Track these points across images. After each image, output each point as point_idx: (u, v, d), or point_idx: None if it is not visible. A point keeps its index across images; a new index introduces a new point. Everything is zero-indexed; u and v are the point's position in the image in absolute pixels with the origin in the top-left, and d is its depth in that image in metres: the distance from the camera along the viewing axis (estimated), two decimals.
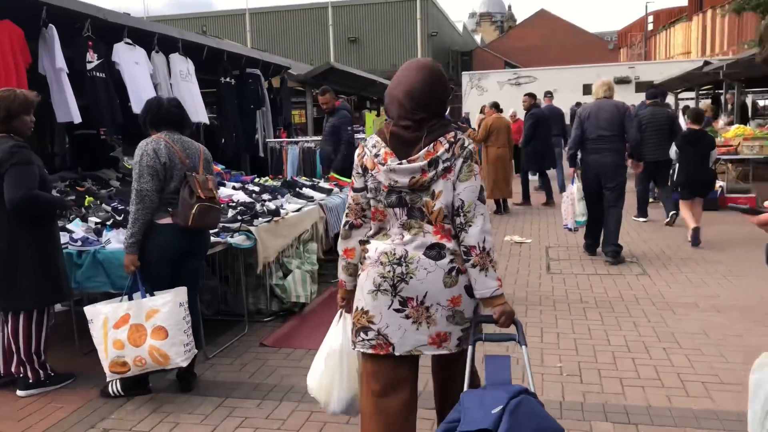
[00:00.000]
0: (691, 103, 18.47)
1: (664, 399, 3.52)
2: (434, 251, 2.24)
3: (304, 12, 38.29)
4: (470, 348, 2.29)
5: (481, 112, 13.27)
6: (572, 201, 6.77)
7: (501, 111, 10.77)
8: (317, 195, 6.18)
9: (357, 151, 2.38)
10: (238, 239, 4.55)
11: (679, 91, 20.24)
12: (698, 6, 51.18)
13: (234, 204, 5.23)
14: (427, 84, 2.24)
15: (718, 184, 9.97)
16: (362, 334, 2.32)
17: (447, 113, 2.50)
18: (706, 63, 15.30)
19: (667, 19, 57.56)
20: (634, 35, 59.59)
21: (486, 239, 2.21)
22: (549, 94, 13.17)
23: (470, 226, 2.20)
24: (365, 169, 2.31)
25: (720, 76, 14.22)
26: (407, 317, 2.25)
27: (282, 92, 9.68)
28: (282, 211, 5.25)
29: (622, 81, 28.85)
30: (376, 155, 2.27)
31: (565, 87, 28.62)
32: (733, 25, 45.70)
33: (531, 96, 11.05)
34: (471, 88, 31.01)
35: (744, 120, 15.98)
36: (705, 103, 16.58)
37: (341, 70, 12.56)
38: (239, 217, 4.82)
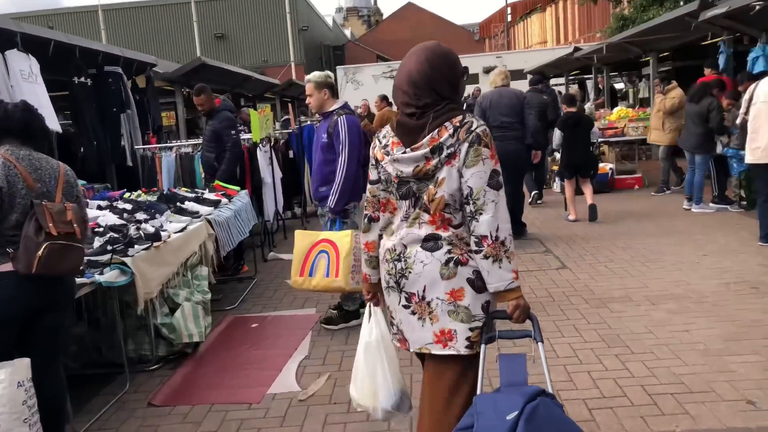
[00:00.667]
0: (563, 89, 19.09)
1: (641, 423, 3.08)
2: (430, 242, 2.16)
3: (165, 8, 35.89)
4: (483, 347, 2.14)
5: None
6: None
7: (391, 104, 10.31)
8: (203, 209, 5.27)
9: (372, 143, 2.31)
10: (109, 276, 3.61)
11: (551, 76, 20.88)
12: None
13: (101, 229, 4.23)
14: (426, 67, 2.12)
15: (608, 166, 10.11)
16: (392, 328, 2.34)
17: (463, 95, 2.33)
18: (576, 49, 15.75)
19: (524, 10, 60.50)
20: (496, 26, 62.02)
21: (500, 227, 2.07)
22: None
23: (481, 214, 2.07)
24: (377, 161, 2.25)
25: (594, 60, 14.63)
26: (413, 313, 2.20)
27: (149, 92, 8.51)
28: (163, 233, 4.33)
29: (491, 70, 29.63)
30: (385, 146, 2.21)
31: None
32: (583, 15, 48.78)
33: None
34: (347, 83, 30.52)
35: (614, 103, 16.68)
36: (573, 88, 17.14)
37: (214, 66, 11.48)
38: (109, 247, 3.86)
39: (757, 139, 5.85)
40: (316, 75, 4.66)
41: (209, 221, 5.10)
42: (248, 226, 5.95)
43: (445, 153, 2.08)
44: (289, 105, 13.50)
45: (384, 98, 10.26)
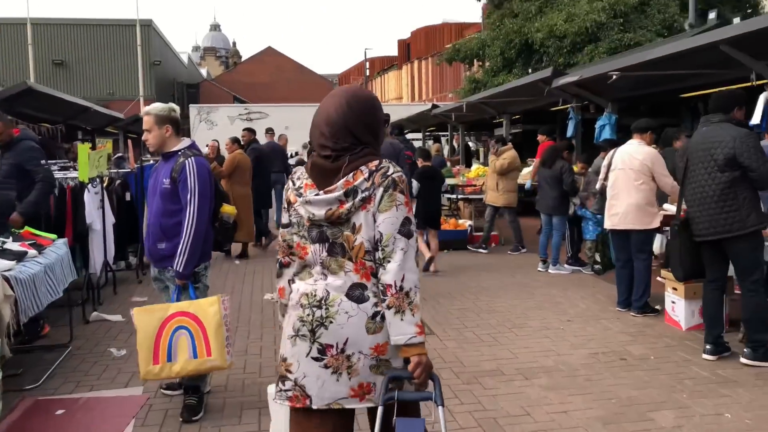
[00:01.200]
0: (420, 143, 19.46)
1: None
2: (356, 292, 2.07)
3: None
4: (380, 409, 2.02)
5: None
6: None
7: (243, 147, 9.60)
8: (1, 263, 4.20)
9: (285, 185, 2.23)
10: None
11: (406, 132, 21.26)
12: (407, 57, 56.96)
13: None
14: (346, 109, 2.08)
15: (467, 223, 10.08)
16: (281, 384, 2.16)
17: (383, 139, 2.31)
18: (435, 106, 16.11)
19: (381, 66, 62.86)
20: (355, 78, 63.58)
21: (406, 277, 2.02)
22: (270, 131, 12.92)
23: (389, 261, 2.02)
24: (290, 203, 2.18)
25: (452, 118, 14.96)
26: (326, 366, 2.07)
27: None
28: None
29: None
30: (298, 188, 2.15)
31: (298, 124, 28.90)
32: (437, 75, 51.61)
33: (250, 131, 10.58)
34: (199, 122, 29.21)
35: (468, 160, 17.20)
36: (436, 146, 17.50)
37: (43, 93, 10.12)
38: None
39: (616, 205, 5.90)
40: (157, 107, 3.89)
41: (6, 279, 4.05)
42: (63, 283, 4.89)
43: (359, 197, 2.03)
44: (129, 141, 12.23)
45: (235, 140, 9.52)
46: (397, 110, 28.99)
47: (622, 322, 5.68)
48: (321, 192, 2.07)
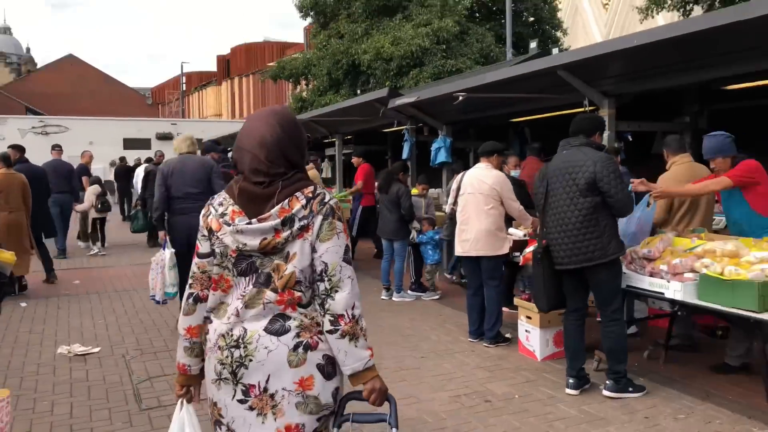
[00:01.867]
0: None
1: None
2: (277, 325, 1.95)
3: None
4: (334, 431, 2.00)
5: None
6: (162, 269, 5.95)
7: (10, 164, 7.96)
8: None
9: (202, 211, 2.08)
10: None
11: (229, 149, 20.10)
12: (226, 73, 55.27)
13: None
14: (279, 131, 1.98)
15: None
16: (217, 429, 2.05)
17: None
18: None
19: (199, 81, 60.25)
20: (171, 93, 60.18)
21: (356, 305, 1.96)
22: (57, 147, 11.38)
23: (337, 291, 1.95)
24: (211, 231, 2.02)
25: None
26: (251, 408, 1.96)
27: None
28: None
29: (165, 137, 28.40)
30: (223, 214, 1.99)
31: (105, 140, 26.58)
32: (259, 92, 50.65)
33: (16, 148, 9.08)
34: None
35: None
36: None
37: None
38: None
39: (467, 230, 5.61)
40: None
41: None
42: None
43: (297, 225, 1.94)
44: None
45: (4, 158, 7.90)
46: (216, 127, 27.70)
47: (477, 355, 5.35)
48: (254, 220, 1.94)
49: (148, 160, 15.25)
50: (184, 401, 2.13)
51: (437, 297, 7.56)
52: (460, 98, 6.50)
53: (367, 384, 1.98)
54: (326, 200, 1.98)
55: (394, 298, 7.48)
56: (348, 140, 13.80)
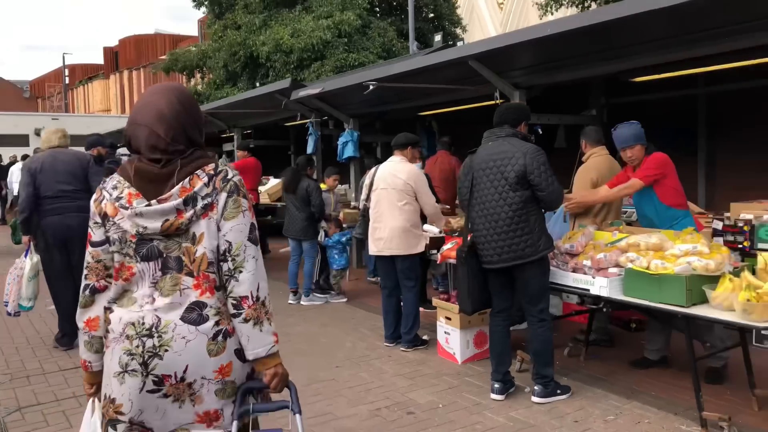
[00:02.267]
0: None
1: None
2: (194, 314, 1.87)
3: None
4: (235, 424, 1.92)
5: None
6: (20, 278, 5.36)
7: None
8: None
9: (94, 196, 1.95)
10: None
11: (121, 144, 18.74)
12: (114, 66, 52.17)
13: None
14: (179, 108, 1.90)
15: None
16: (111, 430, 1.90)
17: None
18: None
19: (84, 74, 56.45)
20: (51, 86, 56.16)
21: (261, 286, 1.90)
22: None
23: (240, 272, 1.87)
24: (105, 217, 1.91)
25: None
26: (165, 396, 1.87)
27: None
28: None
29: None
30: (118, 198, 1.89)
31: None
32: (150, 85, 48.18)
33: None
34: None
35: None
36: None
37: None
38: None
39: (380, 228, 5.26)
40: None
41: None
42: None
43: (200, 204, 1.86)
44: None
45: None
46: (105, 122, 25.91)
47: (396, 361, 5.02)
48: (153, 201, 1.85)
49: (25, 158, 13.89)
50: (96, 402, 2.03)
51: (344, 300, 7.17)
52: (371, 87, 6.14)
53: (270, 370, 1.93)
54: (229, 177, 1.91)
55: (302, 302, 7.03)
56: (247, 134, 13.12)
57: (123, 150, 18.24)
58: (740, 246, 4.67)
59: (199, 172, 1.88)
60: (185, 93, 1.96)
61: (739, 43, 4.75)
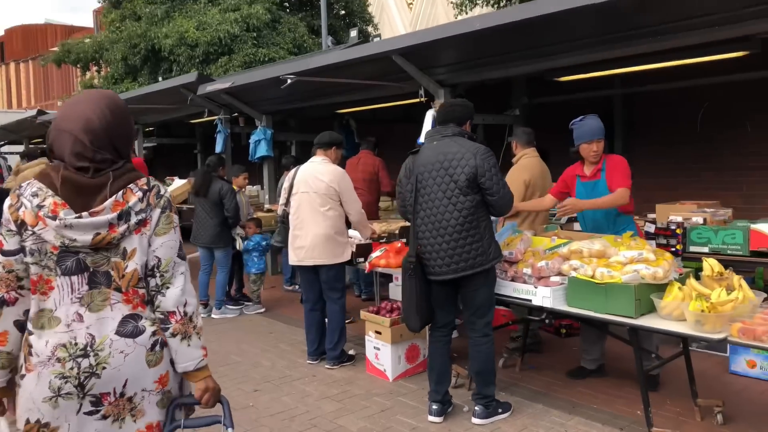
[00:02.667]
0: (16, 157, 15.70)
1: None
2: (129, 326, 1.83)
3: None
4: None
5: None
6: None
7: None
8: None
9: (7, 202, 1.83)
10: None
11: (2, 143, 17.10)
12: (0, 58, 48.28)
13: None
14: (109, 116, 1.84)
15: None
16: None
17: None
18: (41, 113, 12.99)
19: None
20: None
21: (188, 302, 1.90)
22: None
23: (168, 287, 1.87)
24: (22, 225, 1.79)
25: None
26: (104, 417, 1.81)
27: None
28: None
29: None
30: (40, 206, 1.77)
31: None
32: (41, 79, 45.03)
33: None
34: None
35: None
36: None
37: None
38: None
39: (301, 236, 4.81)
40: None
41: None
42: None
43: (134, 219, 1.83)
44: None
45: None
46: None
47: (321, 381, 4.59)
48: (85, 214, 1.77)
49: None
50: (2, 420, 1.98)
51: (262, 310, 6.66)
52: (289, 81, 5.66)
53: (199, 383, 1.93)
54: (162, 192, 1.91)
55: (213, 315, 6.45)
56: (149, 132, 12.22)
57: (6, 149, 16.67)
58: (673, 249, 4.61)
59: (132, 186, 1.84)
60: (118, 103, 1.90)
61: (660, 44, 4.66)
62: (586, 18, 4.56)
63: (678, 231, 4.65)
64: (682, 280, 3.53)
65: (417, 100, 6.30)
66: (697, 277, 3.48)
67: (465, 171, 3.49)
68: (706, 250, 4.55)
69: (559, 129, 8.26)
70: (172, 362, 1.91)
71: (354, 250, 4.96)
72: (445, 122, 3.74)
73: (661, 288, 3.45)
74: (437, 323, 3.80)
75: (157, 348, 1.87)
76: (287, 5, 19.91)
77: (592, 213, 4.30)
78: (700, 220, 4.75)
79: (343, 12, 21.13)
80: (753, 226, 4.33)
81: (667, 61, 5.52)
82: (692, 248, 4.63)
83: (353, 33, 11.09)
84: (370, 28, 21.94)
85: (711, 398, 3.80)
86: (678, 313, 3.28)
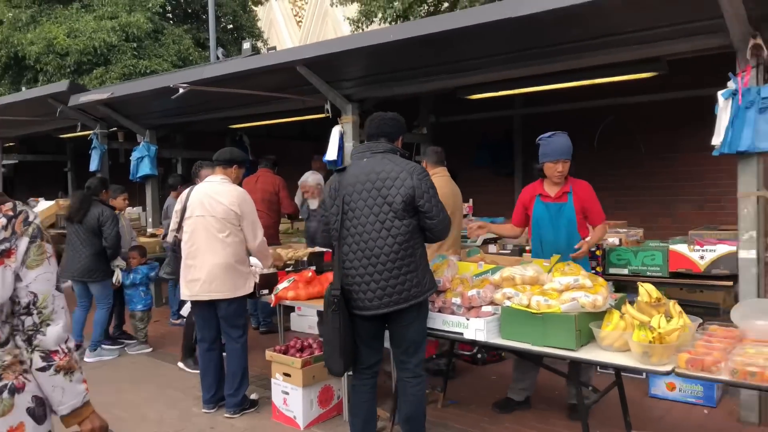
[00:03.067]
0: None
1: None
2: None
3: None
4: None
5: None
6: None
7: None
8: None
9: None
10: None
11: None
12: None
13: None
14: None
15: None
16: None
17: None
18: None
19: None
20: None
21: (69, 338, 1.79)
22: None
23: (49, 325, 1.73)
24: None
25: None
26: None
27: None
28: None
29: None
30: None
31: None
32: None
33: None
34: None
35: None
36: None
37: None
38: None
39: (197, 266, 4.20)
40: None
41: None
42: None
43: None
44: None
45: None
46: None
47: None
48: None
49: None
50: None
51: (148, 350, 5.90)
52: (181, 90, 5.02)
53: (85, 423, 1.82)
54: (31, 219, 1.75)
55: (87, 359, 5.58)
56: (9, 148, 10.90)
57: None
58: (593, 271, 4.48)
59: None
60: None
61: (577, 62, 4.58)
62: (503, 33, 4.38)
63: (598, 253, 4.53)
64: (617, 306, 3.33)
65: (319, 116, 5.89)
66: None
67: (401, 192, 3.09)
68: (625, 271, 4.46)
69: (465, 148, 8.22)
70: (30, 413, 1.71)
71: (257, 280, 4.41)
72: (375, 137, 3.33)
73: (597, 316, 3.23)
74: (362, 364, 3.34)
75: (5, 395, 1.67)
76: (171, 16, 18.86)
77: (553, 238, 4.01)
78: (617, 241, 4.68)
79: (231, 26, 20.34)
80: (672, 247, 4.29)
81: (576, 81, 5.48)
82: (611, 270, 4.53)
83: (246, 45, 10.49)
84: (260, 44, 21.29)
85: (644, 430, 3.63)
86: (620, 344, 3.06)
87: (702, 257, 4.06)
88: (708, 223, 6.76)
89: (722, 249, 3.99)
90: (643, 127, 7.00)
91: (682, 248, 4.22)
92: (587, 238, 3.95)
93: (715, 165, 6.75)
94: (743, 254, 3.82)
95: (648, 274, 4.32)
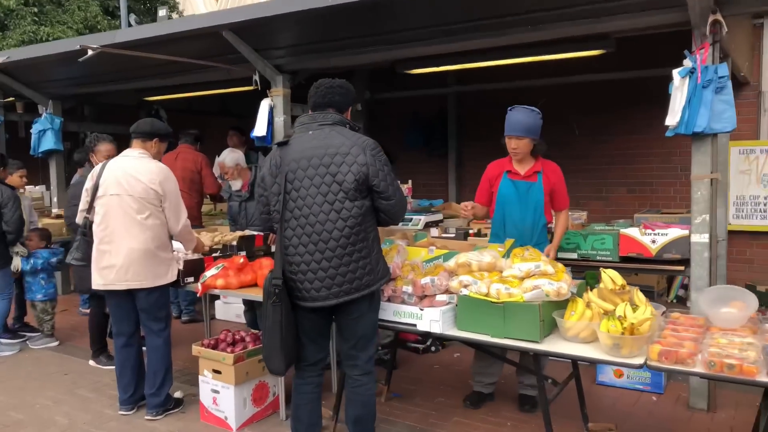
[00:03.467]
0: None
1: None
2: None
3: None
4: None
5: None
6: None
7: None
8: None
9: None
10: None
11: None
12: None
13: None
14: None
15: None
16: None
17: None
18: None
19: None
20: None
21: None
22: None
23: None
24: None
25: None
26: None
27: None
28: None
29: None
30: None
31: None
32: None
33: None
34: None
35: None
36: None
37: None
38: None
39: (111, 252, 3.69)
40: None
41: None
42: None
43: None
44: None
45: None
46: None
47: None
48: None
49: None
50: None
51: (54, 344, 5.29)
52: (90, 52, 4.41)
53: None
54: None
55: None
56: None
57: None
58: None
59: None
60: None
61: (528, 36, 4.35)
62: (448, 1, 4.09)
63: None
64: (579, 293, 3.15)
65: (246, 88, 5.41)
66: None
67: (353, 170, 2.74)
68: (575, 256, 4.31)
69: (399, 128, 7.92)
70: None
71: (181, 267, 3.95)
72: (322, 107, 2.95)
73: (559, 305, 3.03)
74: (306, 361, 3.00)
75: None
76: None
77: (520, 217, 3.76)
78: None
79: None
80: (623, 231, 4.17)
81: (520, 57, 5.27)
82: (560, 254, 4.37)
83: (162, 12, 9.69)
84: (174, 15, 20.10)
85: (601, 422, 3.50)
86: (586, 335, 2.87)
87: (654, 241, 3.95)
88: (639, 206, 6.82)
89: (674, 233, 3.89)
90: (578, 109, 6.94)
91: (633, 232, 4.10)
92: (551, 242, 3.89)
93: (646, 148, 6.80)
94: (696, 238, 3.74)
95: (598, 258, 4.19)
